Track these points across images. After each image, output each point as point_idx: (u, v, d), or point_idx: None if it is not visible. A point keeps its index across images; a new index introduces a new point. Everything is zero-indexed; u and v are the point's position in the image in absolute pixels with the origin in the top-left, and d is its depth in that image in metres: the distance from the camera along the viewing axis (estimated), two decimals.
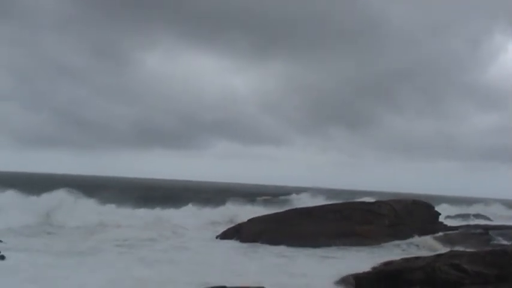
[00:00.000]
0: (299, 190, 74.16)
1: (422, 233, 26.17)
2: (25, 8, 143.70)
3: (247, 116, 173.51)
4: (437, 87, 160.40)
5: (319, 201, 41.75)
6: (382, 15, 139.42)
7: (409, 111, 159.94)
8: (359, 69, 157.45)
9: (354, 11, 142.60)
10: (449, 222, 33.00)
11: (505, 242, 23.68)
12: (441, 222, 29.95)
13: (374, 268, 14.80)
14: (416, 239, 25.29)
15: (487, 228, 28.15)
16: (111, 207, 33.80)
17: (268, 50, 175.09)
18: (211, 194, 61.11)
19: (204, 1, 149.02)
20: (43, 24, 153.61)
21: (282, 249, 22.97)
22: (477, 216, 48.16)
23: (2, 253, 17.09)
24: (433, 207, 30.05)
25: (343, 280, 14.72)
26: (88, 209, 31.68)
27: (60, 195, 32.41)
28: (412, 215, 27.78)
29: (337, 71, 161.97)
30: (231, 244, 24.29)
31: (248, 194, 62.08)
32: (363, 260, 19.55)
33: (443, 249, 20.32)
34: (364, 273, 14.36)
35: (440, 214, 30.41)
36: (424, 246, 23.99)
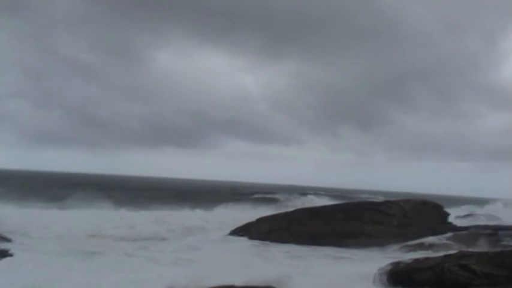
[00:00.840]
0: (308, 190, 74.15)
1: (432, 233, 26.09)
2: (38, 5, 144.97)
3: (258, 114, 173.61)
4: (451, 87, 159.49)
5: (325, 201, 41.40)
6: (398, 14, 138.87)
7: (421, 111, 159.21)
8: (373, 68, 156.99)
9: (369, 10, 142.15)
10: (459, 223, 32.81)
11: None
12: (450, 223, 29.83)
13: (380, 268, 14.83)
14: (425, 239, 25.17)
15: (496, 228, 27.98)
16: (121, 207, 33.92)
17: (281, 49, 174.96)
18: (220, 193, 61.17)
19: (217, 0, 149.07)
20: (56, 22, 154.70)
21: (291, 247, 23.11)
22: (487, 216, 47.80)
23: (10, 251, 17.30)
24: (442, 208, 29.93)
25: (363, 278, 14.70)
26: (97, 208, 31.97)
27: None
28: (421, 215, 27.70)
29: (351, 70, 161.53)
30: (242, 243, 24.31)
31: (257, 193, 61.96)
32: (371, 260, 19.55)
33: (452, 250, 20.26)
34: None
35: (449, 214, 30.30)
36: (433, 247, 23.88)
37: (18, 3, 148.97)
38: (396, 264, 15.23)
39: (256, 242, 24.43)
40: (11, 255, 16.97)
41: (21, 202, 33.90)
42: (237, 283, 13.53)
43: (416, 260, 15.37)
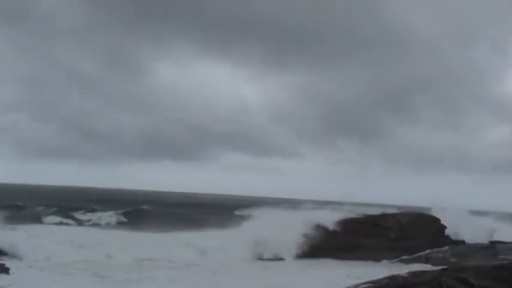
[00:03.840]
0: (306, 203, 73.82)
1: (429, 246, 25.87)
2: (36, 15, 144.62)
3: (257, 127, 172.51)
4: (454, 98, 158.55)
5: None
6: (403, 24, 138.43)
7: (423, 124, 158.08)
8: (375, 79, 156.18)
9: (374, 20, 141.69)
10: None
11: None
12: (448, 236, 29.58)
13: (377, 282, 14.58)
14: (422, 253, 24.99)
15: (494, 242, 27.77)
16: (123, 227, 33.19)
17: (283, 60, 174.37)
18: (221, 209, 60.04)
19: (219, 10, 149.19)
20: (54, 32, 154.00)
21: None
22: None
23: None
24: (440, 221, 29.71)
25: None
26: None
27: None
28: (418, 228, 27.50)
29: (353, 82, 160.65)
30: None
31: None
32: (367, 273, 19.31)
33: (449, 263, 20.05)
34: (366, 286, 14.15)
35: (446, 228, 30.05)
36: (430, 260, 23.68)
37: (17, 13, 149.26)
38: (393, 277, 14.97)
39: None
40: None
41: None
42: None
43: (413, 274, 15.09)
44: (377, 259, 24.05)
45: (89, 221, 38.98)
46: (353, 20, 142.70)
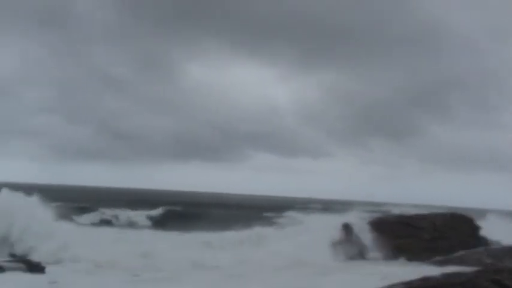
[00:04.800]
0: (335, 203, 73.40)
1: (463, 247, 25.43)
2: (72, 18, 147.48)
3: (286, 127, 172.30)
4: (488, 96, 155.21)
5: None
6: (438, 21, 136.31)
7: (456, 122, 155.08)
8: (409, 77, 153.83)
9: (408, 17, 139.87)
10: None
11: None
12: (483, 237, 29.03)
13: (409, 284, 14.39)
14: (456, 254, 24.56)
15: None
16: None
17: (312, 59, 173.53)
18: (253, 209, 59.95)
19: (249, 11, 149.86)
20: (89, 36, 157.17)
21: None
22: None
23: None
24: (474, 221, 29.19)
25: None
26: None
27: None
28: (452, 228, 27.10)
29: (385, 80, 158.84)
30: None
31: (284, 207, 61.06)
32: (399, 274, 19.07)
33: (484, 265, 19.67)
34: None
35: (481, 228, 29.50)
36: (464, 261, 23.25)
37: (53, 17, 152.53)
38: (426, 279, 14.77)
39: None
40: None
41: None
42: None
43: (447, 275, 14.87)
44: (409, 260, 23.75)
45: (120, 221, 39.63)
46: (385, 17, 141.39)
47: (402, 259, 23.94)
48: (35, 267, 17.26)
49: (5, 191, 23.79)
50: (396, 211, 30.45)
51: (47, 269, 17.44)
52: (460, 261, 23.23)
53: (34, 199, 24.71)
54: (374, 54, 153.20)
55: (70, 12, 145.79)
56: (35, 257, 18.30)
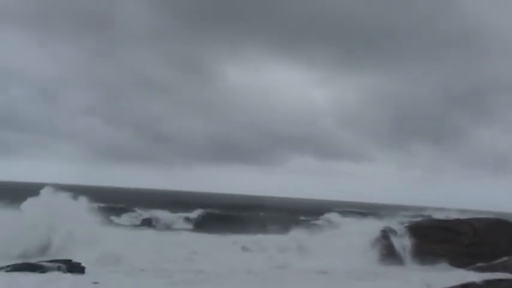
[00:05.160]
0: (375, 207, 72.63)
1: (506, 253, 24.73)
2: (112, 22, 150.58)
3: (326, 130, 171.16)
4: None
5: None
6: (484, 22, 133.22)
7: (501, 125, 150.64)
8: (452, 79, 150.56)
9: (452, 17, 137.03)
10: None
11: None
12: None
13: None
14: (498, 260, 23.94)
15: None
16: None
17: (352, 62, 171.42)
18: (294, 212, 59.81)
19: (288, 13, 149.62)
20: (128, 39, 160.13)
21: None
22: None
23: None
24: None
25: None
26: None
27: None
28: (494, 234, 26.36)
29: (427, 82, 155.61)
30: None
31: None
32: (439, 280, 18.73)
33: None
34: None
35: None
36: (507, 268, 22.64)
37: (93, 21, 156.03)
38: (467, 285, 14.52)
39: None
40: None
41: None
42: None
43: (489, 282, 14.62)
44: (450, 266, 23.29)
45: (160, 222, 40.16)
46: (427, 17, 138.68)
47: (442, 265, 23.47)
48: (75, 268, 17.57)
49: (48, 189, 24.37)
50: (440, 216, 29.82)
51: (86, 270, 17.71)
52: (503, 268, 22.65)
53: (75, 199, 25.27)
54: (415, 55, 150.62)
55: (110, 16, 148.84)
56: (75, 258, 18.53)
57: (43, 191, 24.30)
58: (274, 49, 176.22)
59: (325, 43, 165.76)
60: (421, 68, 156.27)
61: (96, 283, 15.99)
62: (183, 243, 25.74)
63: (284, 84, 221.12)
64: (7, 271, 16.78)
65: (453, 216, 29.60)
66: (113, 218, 38.12)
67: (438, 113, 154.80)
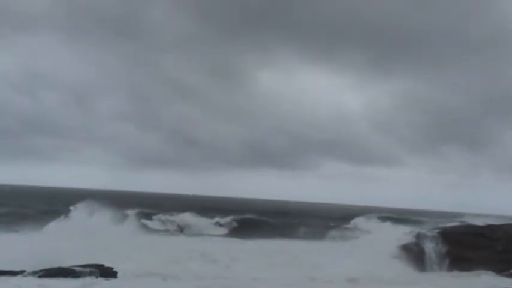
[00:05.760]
0: (407, 212, 71.65)
1: None
2: (145, 28, 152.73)
3: (358, 135, 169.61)
4: None
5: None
6: None
7: None
8: (485, 83, 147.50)
9: (486, 21, 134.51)
10: None
11: None
12: None
13: None
14: None
15: None
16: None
17: (385, 66, 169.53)
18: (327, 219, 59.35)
19: (320, 17, 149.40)
20: (160, 44, 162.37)
21: None
22: None
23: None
24: None
25: None
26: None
27: None
28: None
29: (460, 86, 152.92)
30: None
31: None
32: (472, 286, 18.52)
33: None
34: None
35: None
36: None
37: (124, 26, 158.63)
38: None
39: None
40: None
41: None
42: None
43: None
44: (482, 272, 22.92)
45: (192, 228, 40.42)
46: (461, 21, 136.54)
47: (475, 271, 23.10)
48: (108, 273, 17.83)
49: (86, 202, 24.79)
50: (477, 222, 29.23)
51: (119, 275, 17.98)
52: None
53: (110, 206, 25.74)
54: (448, 59, 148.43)
55: (143, 22, 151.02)
56: (109, 263, 18.77)
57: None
58: (305, 53, 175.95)
59: (358, 47, 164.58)
60: (454, 72, 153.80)
61: None
62: (214, 249, 25.72)
63: (316, 89, 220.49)
64: (39, 276, 16.66)
65: (490, 222, 29.09)
66: (147, 222, 38.60)
67: (472, 118, 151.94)
